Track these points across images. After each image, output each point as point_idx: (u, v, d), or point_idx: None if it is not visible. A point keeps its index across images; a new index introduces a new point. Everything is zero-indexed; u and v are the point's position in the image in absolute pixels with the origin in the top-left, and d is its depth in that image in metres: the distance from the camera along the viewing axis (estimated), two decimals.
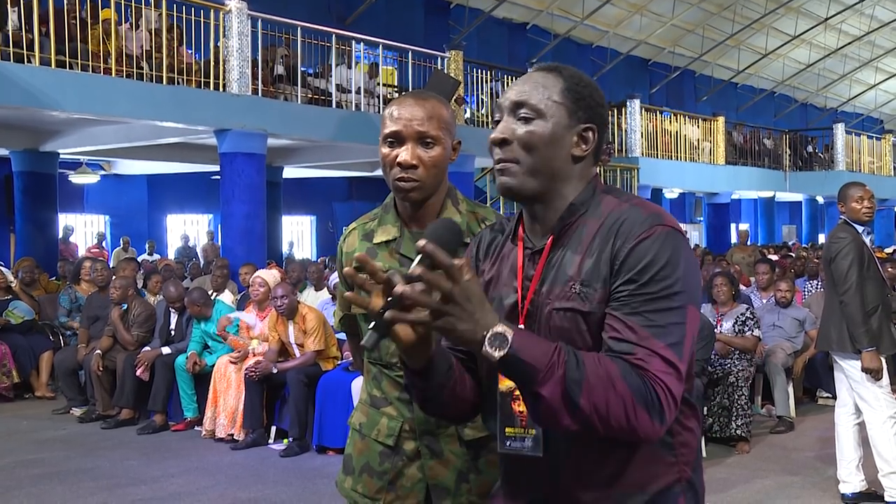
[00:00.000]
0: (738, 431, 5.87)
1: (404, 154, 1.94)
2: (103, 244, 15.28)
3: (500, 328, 1.26)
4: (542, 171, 1.43)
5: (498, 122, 1.47)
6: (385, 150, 1.98)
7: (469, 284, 1.26)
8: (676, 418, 1.42)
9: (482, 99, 14.48)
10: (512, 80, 14.24)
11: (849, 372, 4.58)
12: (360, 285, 1.33)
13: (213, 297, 7.42)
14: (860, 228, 4.55)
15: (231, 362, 6.37)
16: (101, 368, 7.04)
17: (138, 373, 6.80)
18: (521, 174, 1.43)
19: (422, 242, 1.24)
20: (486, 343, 1.26)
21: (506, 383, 1.41)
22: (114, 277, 7.78)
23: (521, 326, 1.43)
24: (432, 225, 1.37)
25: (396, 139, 1.96)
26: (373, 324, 1.29)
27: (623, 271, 1.35)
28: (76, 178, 14.45)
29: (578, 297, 1.38)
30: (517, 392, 1.39)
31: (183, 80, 9.82)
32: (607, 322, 1.35)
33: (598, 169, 1.52)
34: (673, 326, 1.33)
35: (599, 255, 1.38)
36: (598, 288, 1.37)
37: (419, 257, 1.26)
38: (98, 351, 7.10)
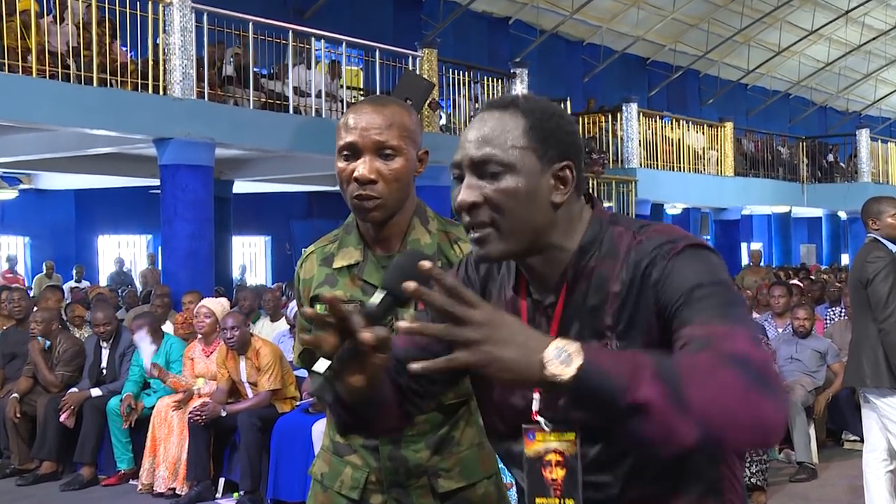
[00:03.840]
0: (753, 479, 5.88)
1: (361, 168, 1.95)
2: (16, 269, 15.09)
3: (559, 342, 1.18)
4: (522, 230, 1.40)
5: (457, 178, 1.44)
6: (341, 164, 1.99)
7: (494, 309, 1.21)
8: (729, 467, 1.44)
9: (460, 103, 14.54)
10: (493, 81, 14.43)
11: (884, 411, 4.58)
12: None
13: None
14: (893, 247, 4.57)
15: (173, 408, 6.31)
16: (17, 414, 6.93)
17: (63, 418, 6.71)
18: (499, 240, 1.40)
19: (411, 286, 1.20)
20: (548, 364, 1.17)
21: (533, 448, 1.40)
22: (35, 308, 7.69)
23: (537, 395, 1.42)
24: (397, 259, 1.40)
25: (352, 151, 1.97)
26: (323, 368, 1.29)
27: (671, 303, 1.33)
28: None
29: (618, 350, 1.37)
30: (547, 457, 1.39)
31: (116, 81, 9.78)
32: (674, 346, 1.31)
33: (593, 182, 1.53)
34: (743, 318, 1.31)
35: (636, 305, 1.37)
36: (638, 336, 1.37)
37: (381, 295, 1.30)
38: (15, 394, 7.00)
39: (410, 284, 1.20)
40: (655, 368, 1.16)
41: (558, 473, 1.39)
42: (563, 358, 1.17)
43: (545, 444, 1.40)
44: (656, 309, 1.36)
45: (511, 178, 1.39)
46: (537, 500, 1.40)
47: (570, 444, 1.37)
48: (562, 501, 1.39)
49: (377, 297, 1.34)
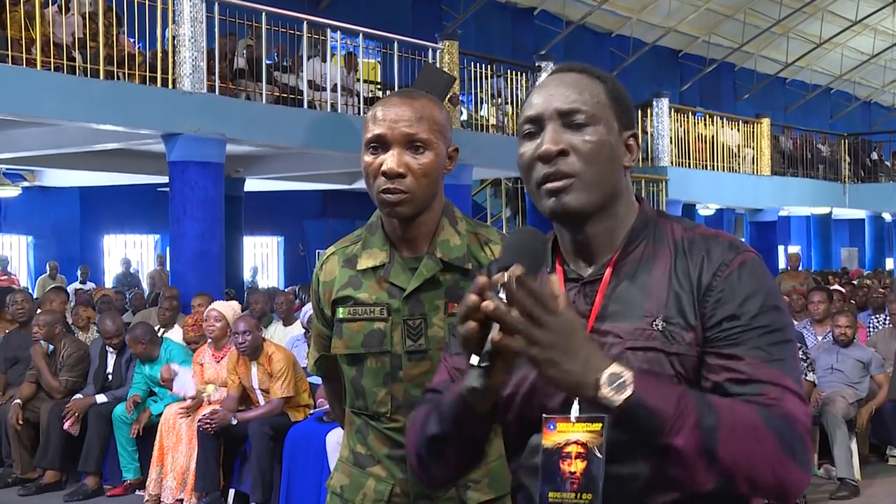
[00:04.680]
0: None
1: (390, 161, 1.97)
2: (8, 269, 15.17)
3: (616, 367, 1.29)
4: (602, 186, 1.47)
5: (529, 134, 1.49)
6: (368, 157, 2.01)
7: (570, 316, 1.30)
8: None
9: (482, 98, 14.55)
10: (516, 75, 14.43)
11: None
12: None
13: (160, 334, 7.39)
14: None
15: (180, 414, 6.34)
16: (20, 421, 6.98)
17: (67, 426, 6.75)
18: (580, 190, 1.46)
19: (517, 270, 1.27)
20: (602, 385, 1.28)
21: (552, 438, 1.40)
22: (38, 311, 7.73)
23: None
24: (513, 234, 1.41)
25: (380, 144, 1.99)
26: (478, 358, 1.31)
27: (722, 306, 1.41)
28: None
29: (662, 335, 1.42)
30: (567, 449, 1.38)
31: (124, 74, 9.85)
32: (716, 363, 1.39)
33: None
34: (792, 360, 1.40)
35: (682, 290, 1.44)
36: (685, 326, 1.42)
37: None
38: (17, 400, 7.04)
39: (517, 269, 1.27)
40: (698, 417, 1.28)
41: (578, 466, 1.37)
42: (617, 384, 1.28)
43: (567, 434, 1.39)
44: (703, 310, 1.42)
45: (596, 131, 1.47)
46: (551, 494, 1.38)
47: (595, 434, 1.36)
48: (578, 496, 1.37)
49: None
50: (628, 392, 1.27)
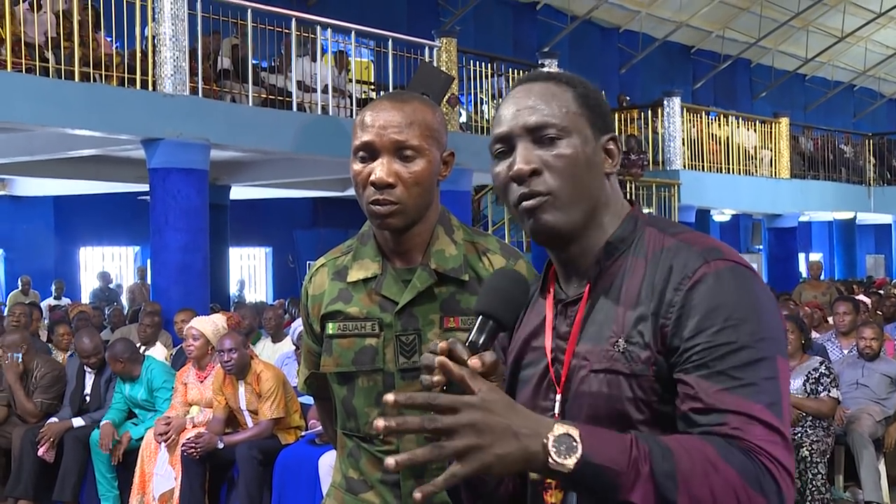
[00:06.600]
0: None
1: (379, 170, 1.98)
2: None
3: (560, 428, 1.25)
4: (582, 200, 1.47)
5: (501, 153, 1.50)
6: (356, 166, 2.02)
7: (488, 394, 1.26)
8: None
9: (482, 98, 14.58)
10: (518, 73, 14.44)
11: None
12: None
13: (141, 352, 7.39)
14: None
15: (159, 439, 6.31)
16: None
17: (41, 452, 6.74)
18: (557, 209, 1.46)
19: (390, 398, 1.28)
20: (551, 453, 1.23)
21: None
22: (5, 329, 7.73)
23: (559, 397, 1.47)
24: (493, 277, 1.43)
25: (369, 152, 2.00)
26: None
27: (684, 324, 1.37)
28: None
29: (623, 356, 1.40)
30: (549, 479, 1.40)
31: (101, 75, 9.86)
32: (681, 391, 1.36)
33: (631, 186, 1.58)
34: (765, 382, 1.34)
35: (645, 306, 1.41)
36: (642, 345, 1.40)
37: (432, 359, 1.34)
38: None
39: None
40: (652, 467, 1.25)
41: (557, 497, 1.40)
42: (565, 448, 1.23)
43: None
44: (664, 329, 1.39)
45: (569, 143, 1.47)
46: None
47: None
48: None
49: (481, 328, 1.37)
50: (577, 455, 1.23)
